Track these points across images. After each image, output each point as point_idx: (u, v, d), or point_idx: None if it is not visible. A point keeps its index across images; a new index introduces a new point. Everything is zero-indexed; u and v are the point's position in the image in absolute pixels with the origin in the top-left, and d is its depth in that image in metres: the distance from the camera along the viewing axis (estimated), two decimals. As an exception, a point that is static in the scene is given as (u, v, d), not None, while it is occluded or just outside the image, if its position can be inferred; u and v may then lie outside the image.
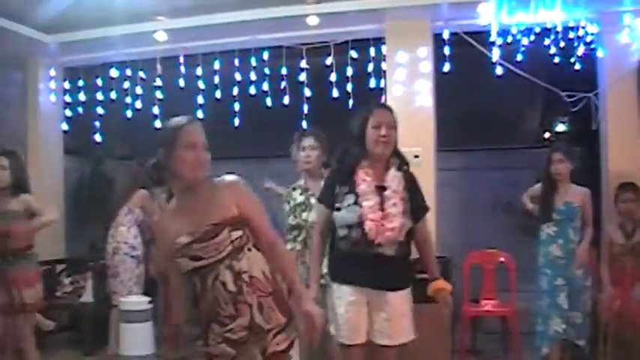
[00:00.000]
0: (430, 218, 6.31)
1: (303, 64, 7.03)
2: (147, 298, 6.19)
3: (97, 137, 7.90)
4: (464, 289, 6.34)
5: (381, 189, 3.62)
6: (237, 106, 7.40)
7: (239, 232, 2.88)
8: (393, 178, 3.65)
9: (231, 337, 2.82)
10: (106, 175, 8.86)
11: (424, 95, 6.50)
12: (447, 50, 6.45)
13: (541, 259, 5.56)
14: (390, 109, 3.84)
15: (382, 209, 3.57)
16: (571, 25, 6.19)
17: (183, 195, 2.93)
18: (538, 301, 5.53)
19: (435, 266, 3.91)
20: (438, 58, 6.51)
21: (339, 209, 3.65)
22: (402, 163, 3.76)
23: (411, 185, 3.73)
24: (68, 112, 8.15)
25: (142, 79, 7.63)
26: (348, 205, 3.62)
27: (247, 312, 2.82)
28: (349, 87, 6.83)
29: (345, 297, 3.64)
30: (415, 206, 3.71)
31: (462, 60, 6.43)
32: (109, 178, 8.86)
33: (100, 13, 6.51)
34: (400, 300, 3.64)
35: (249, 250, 2.92)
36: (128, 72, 7.69)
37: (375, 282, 3.58)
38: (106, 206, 7.22)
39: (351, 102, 6.80)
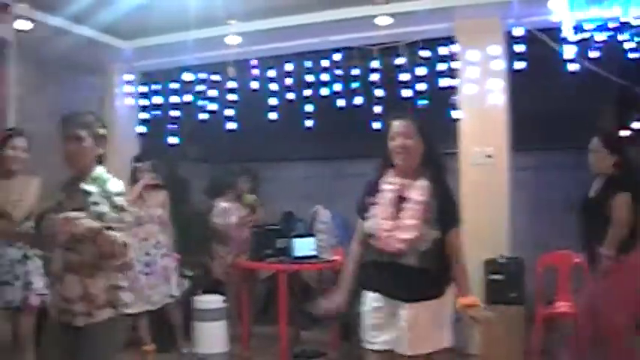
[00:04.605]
0: (503, 218, 6.33)
1: (374, 64, 7.04)
2: (221, 297, 6.30)
3: (172, 140, 8.05)
4: (537, 290, 6.25)
5: (403, 199, 3.61)
6: (309, 108, 7.46)
7: None
8: (417, 189, 3.60)
9: None
10: (180, 176, 9.01)
11: (497, 94, 6.43)
12: (518, 48, 6.38)
13: None
14: (409, 119, 3.72)
15: (397, 219, 3.57)
16: (647, 19, 6.03)
17: None
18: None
19: (466, 281, 3.71)
20: (510, 56, 6.43)
21: (366, 219, 3.72)
22: (436, 173, 3.69)
23: (442, 196, 3.63)
24: (144, 115, 8.33)
25: (215, 82, 7.76)
26: (372, 216, 3.68)
27: None
28: (420, 87, 6.82)
29: (369, 303, 3.70)
30: (444, 217, 3.62)
31: (535, 57, 6.34)
32: (183, 180, 9.02)
33: (173, 18, 6.62)
34: (421, 311, 3.55)
35: None
36: (202, 75, 7.83)
37: (394, 292, 3.59)
38: (180, 207, 7.35)
39: (422, 102, 6.79)
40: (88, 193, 3.47)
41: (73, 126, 3.56)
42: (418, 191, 3.58)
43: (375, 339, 3.65)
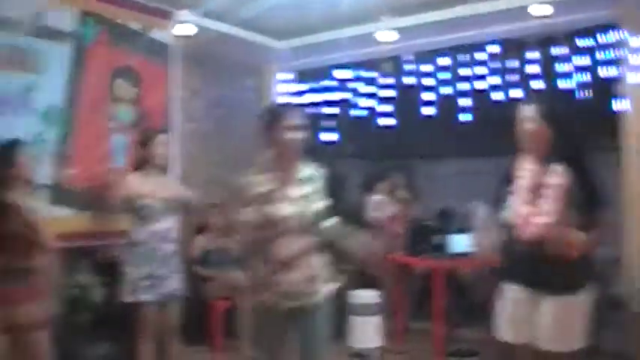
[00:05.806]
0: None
1: (532, 55, 6.86)
2: (376, 292, 6.31)
3: (328, 136, 8.15)
4: None
5: (541, 186, 3.47)
6: (464, 102, 7.37)
7: None
8: (553, 174, 3.44)
9: None
10: (336, 173, 9.11)
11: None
12: None
13: None
14: (534, 103, 3.59)
15: (534, 205, 3.43)
16: None
17: None
18: None
19: (575, 235, 3.34)
20: None
21: (503, 209, 3.62)
22: (571, 158, 3.48)
23: (581, 180, 3.44)
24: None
25: (369, 78, 7.80)
26: (510, 204, 3.57)
27: None
28: (581, 77, 6.59)
29: (509, 293, 3.60)
30: (585, 202, 3.41)
31: None
32: (339, 177, 9.11)
33: (327, 17, 6.71)
34: (565, 305, 3.41)
35: None
36: (356, 72, 7.89)
37: (536, 283, 3.45)
38: (337, 204, 7.42)
39: (583, 93, 6.56)
40: (301, 181, 3.74)
41: (300, 117, 3.75)
42: (554, 176, 3.44)
43: (515, 332, 3.58)
